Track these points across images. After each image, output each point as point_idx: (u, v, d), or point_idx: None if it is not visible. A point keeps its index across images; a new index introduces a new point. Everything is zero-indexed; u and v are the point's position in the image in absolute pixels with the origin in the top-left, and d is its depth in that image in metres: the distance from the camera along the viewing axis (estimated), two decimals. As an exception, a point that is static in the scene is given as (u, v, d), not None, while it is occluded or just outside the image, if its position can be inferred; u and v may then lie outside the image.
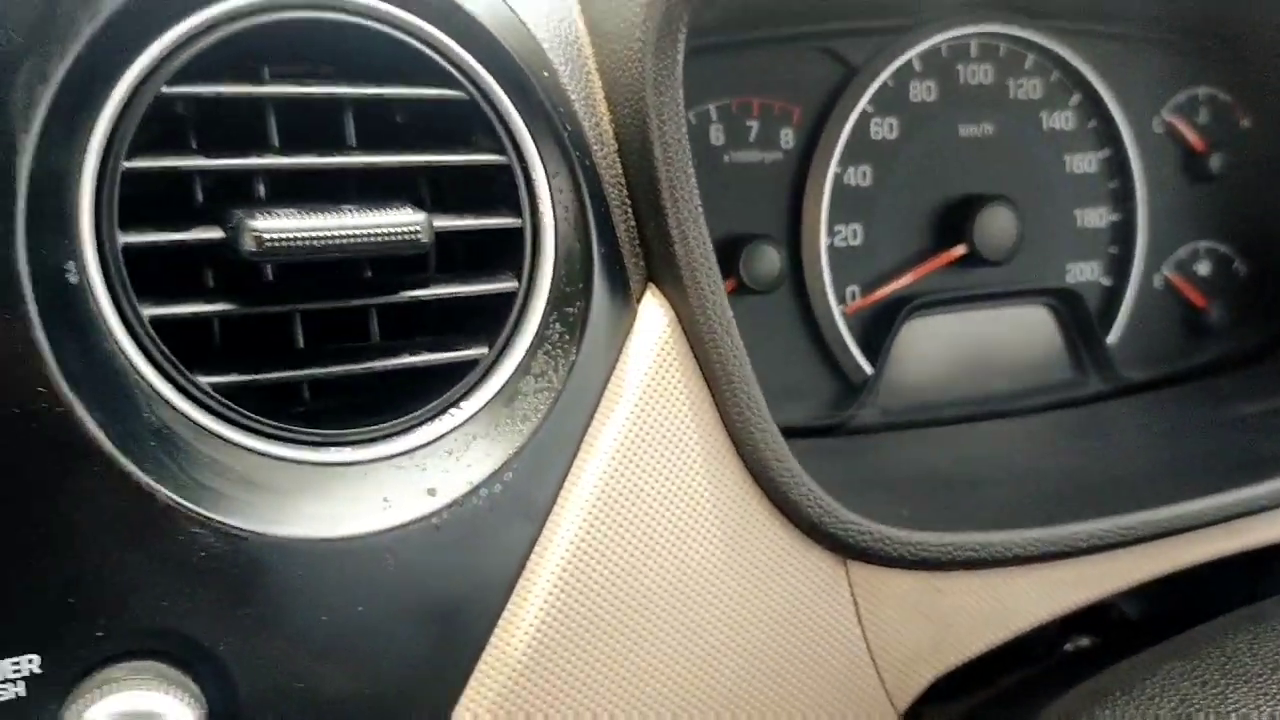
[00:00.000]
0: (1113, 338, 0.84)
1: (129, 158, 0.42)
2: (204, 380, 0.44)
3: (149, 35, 0.42)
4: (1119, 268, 0.84)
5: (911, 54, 0.75)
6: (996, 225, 0.77)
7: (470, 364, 0.49)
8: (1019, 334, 0.81)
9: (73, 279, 0.41)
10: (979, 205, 0.77)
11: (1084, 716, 0.49)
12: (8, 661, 0.39)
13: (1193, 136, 0.85)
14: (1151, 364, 0.84)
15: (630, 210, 0.52)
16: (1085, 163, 0.83)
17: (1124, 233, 0.84)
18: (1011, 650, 0.61)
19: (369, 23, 0.47)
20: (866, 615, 0.54)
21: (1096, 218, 0.84)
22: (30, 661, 0.40)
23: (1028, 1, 0.77)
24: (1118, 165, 0.83)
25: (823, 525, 0.51)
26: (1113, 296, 0.84)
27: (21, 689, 0.40)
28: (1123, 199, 0.83)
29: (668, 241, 0.51)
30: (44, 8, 0.40)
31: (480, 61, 0.49)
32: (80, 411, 0.40)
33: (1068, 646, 0.75)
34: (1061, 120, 0.81)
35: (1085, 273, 0.84)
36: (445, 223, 0.48)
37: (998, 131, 0.79)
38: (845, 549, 0.53)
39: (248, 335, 0.47)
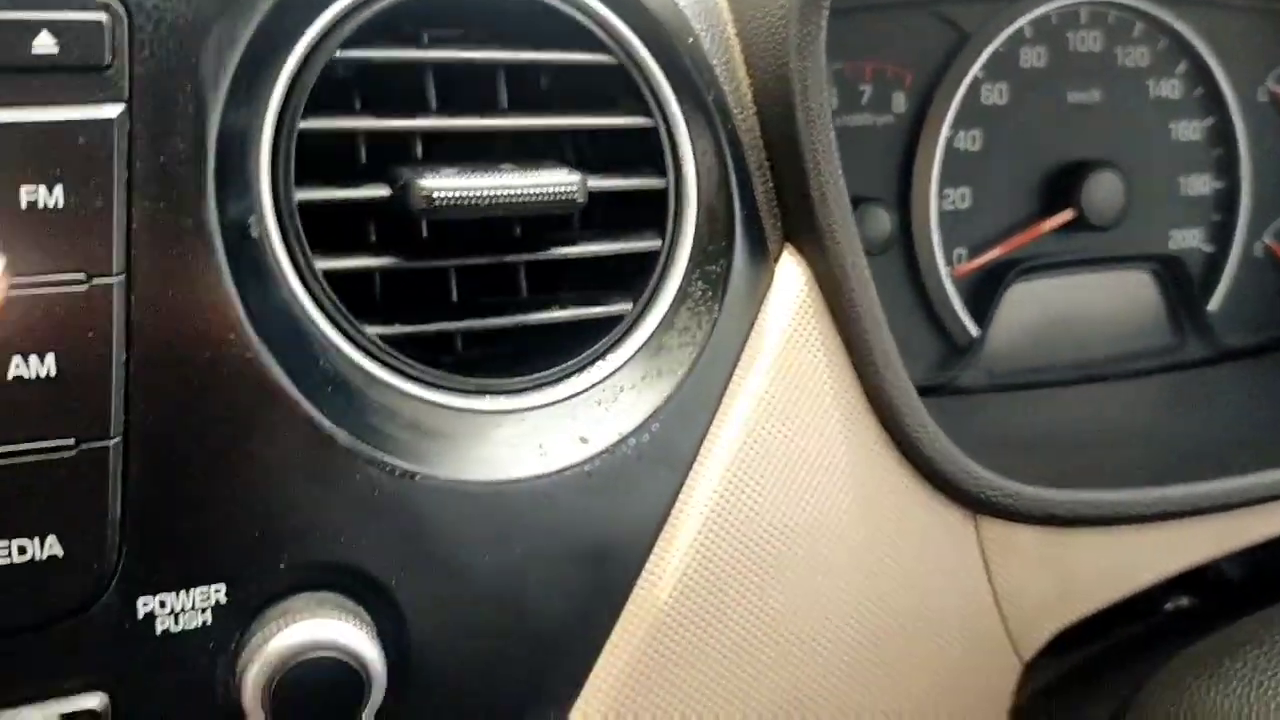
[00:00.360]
0: (1213, 304, 0.84)
1: (303, 118, 0.44)
2: (371, 330, 0.46)
3: (322, 3, 0.44)
4: (1221, 235, 0.84)
5: (1023, 21, 0.75)
6: (1104, 191, 0.77)
7: (616, 319, 0.51)
8: (1121, 299, 0.81)
9: (254, 232, 0.43)
10: (1086, 171, 0.77)
11: (1195, 676, 0.50)
12: (196, 591, 0.42)
13: (1299, 104, 0.84)
14: (1252, 330, 0.84)
15: (769, 172, 0.53)
16: (1190, 130, 0.82)
17: (1227, 200, 0.84)
18: (1115, 607, 0.62)
19: (525, -13, 0.48)
20: (995, 568, 0.55)
21: (1200, 185, 0.83)
22: (217, 591, 0.42)
23: (1139, -33, 0.77)
24: (1222, 133, 0.83)
25: (956, 481, 0.53)
26: (1214, 263, 0.84)
27: (208, 617, 0.42)
28: (1226, 167, 0.83)
29: (808, 203, 0.52)
30: (234, -31, 0.42)
31: (629, 27, 0.50)
32: (267, 358, 0.42)
33: (1168, 605, 0.75)
34: (1168, 88, 0.81)
35: (1188, 239, 0.84)
36: (598, 183, 0.49)
37: (1105, 98, 0.79)
38: (977, 504, 0.54)
39: (404, 288, 0.49)
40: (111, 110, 0.39)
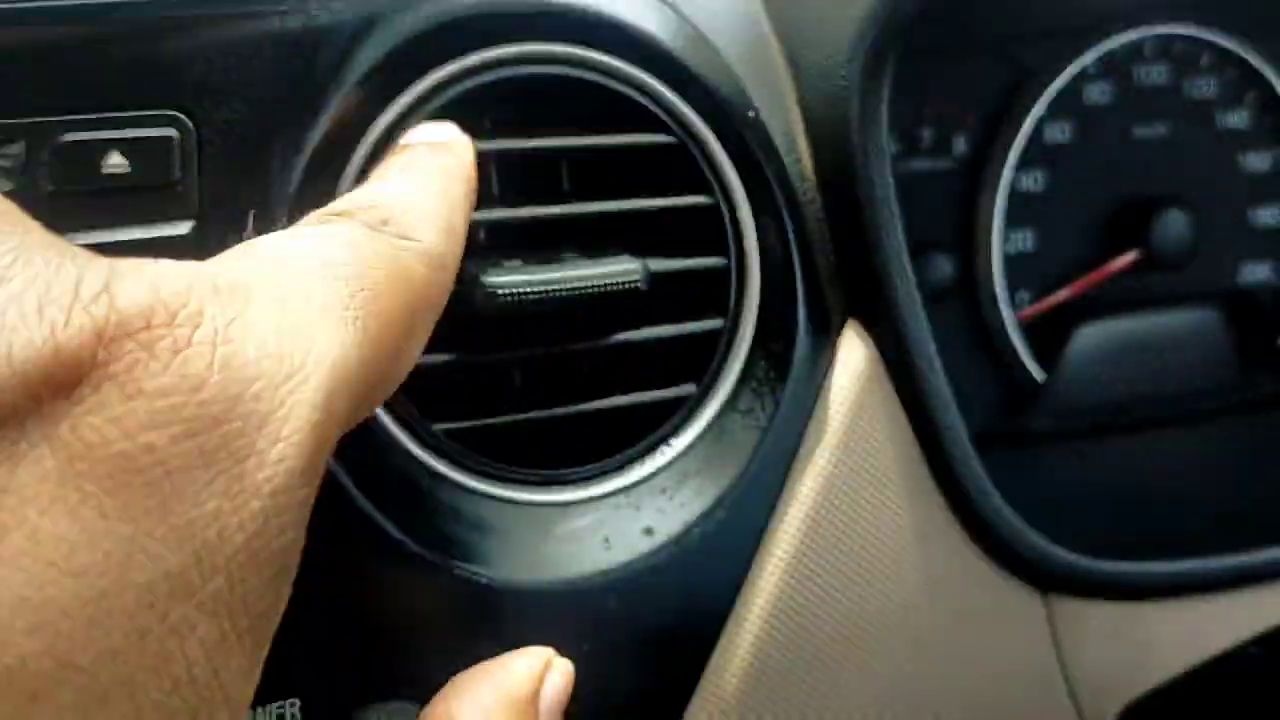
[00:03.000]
0: (1285, 340, 0.82)
1: (368, 215, 0.44)
2: (435, 426, 0.46)
3: (384, 101, 0.44)
4: (1294, 267, 0.82)
5: (1087, 57, 0.74)
6: (1172, 229, 0.75)
7: (679, 402, 0.50)
8: (1190, 336, 0.80)
9: (322, 336, 0.43)
10: (1154, 209, 0.75)
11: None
12: (272, 707, 0.42)
13: (1373, 130, 0.82)
14: (1325, 367, 0.82)
15: (831, 246, 0.53)
16: (1260, 161, 0.80)
17: (1301, 231, 0.82)
18: (1213, 672, 0.61)
19: (584, 73, 0.48)
20: (1064, 644, 0.54)
21: (1270, 217, 0.81)
22: (291, 705, 0.42)
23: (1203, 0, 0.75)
24: (1295, 163, 0.80)
25: (1026, 560, 0.52)
26: (1285, 298, 0.82)
27: (284, 730, 0.42)
28: (1300, 197, 0.81)
29: (873, 279, 0.51)
30: (295, 80, 0.42)
31: (689, 105, 0.49)
32: (333, 463, 0.42)
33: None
34: (1236, 119, 0.79)
35: (1258, 274, 0.82)
36: (659, 266, 0.49)
37: (1171, 132, 0.77)
38: (1046, 581, 0.53)
39: (468, 379, 0.49)
40: (183, 227, 0.40)
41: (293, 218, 0.42)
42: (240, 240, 0.40)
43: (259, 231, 0.41)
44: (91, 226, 0.39)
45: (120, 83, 0.39)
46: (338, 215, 0.34)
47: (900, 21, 0.50)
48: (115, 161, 0.39)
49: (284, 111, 0.42)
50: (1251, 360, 0.81)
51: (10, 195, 0.37)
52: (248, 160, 0.41)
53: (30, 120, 0.38)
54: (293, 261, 0.30)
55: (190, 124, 0.40)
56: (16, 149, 0.38)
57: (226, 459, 0.24)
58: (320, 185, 0.43)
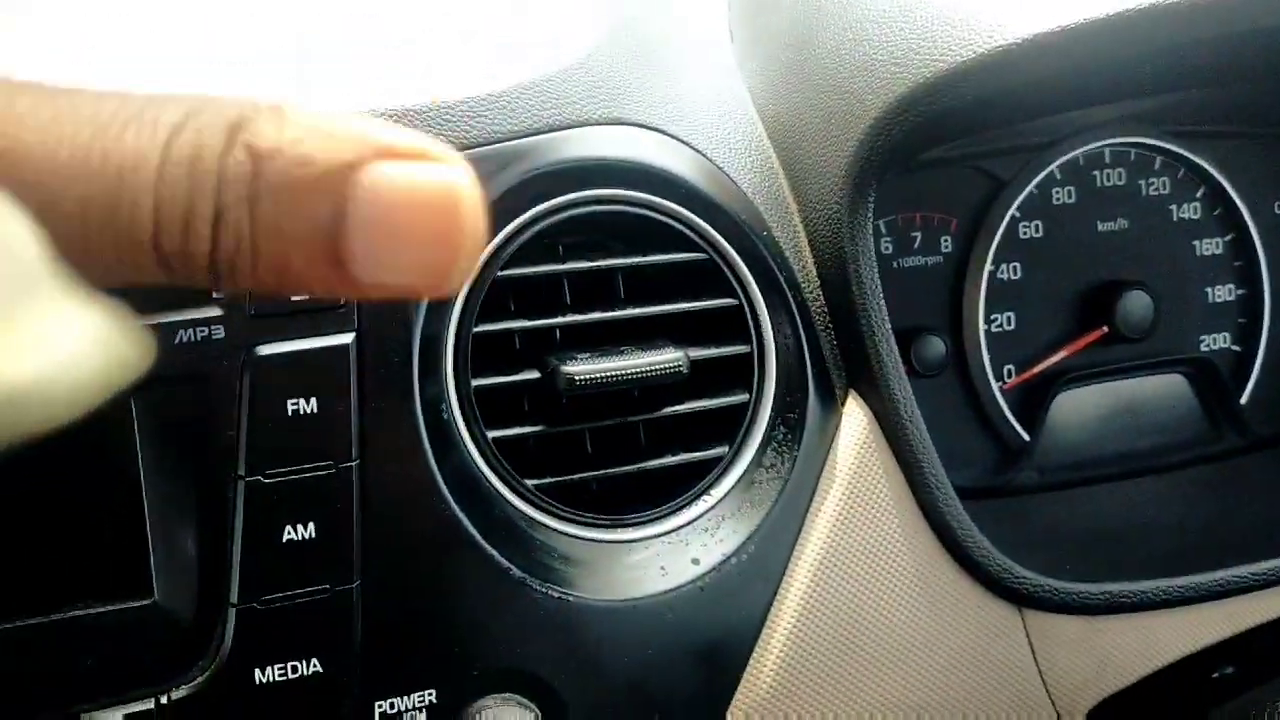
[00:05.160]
0: (1246, 398, 0.94)
1: (475, 324, 0.58)
2: (529, 482, 0.59)
3: (486, 238, 0.59)
4: (1249, 335, 0.94)
5: (1053, 166, 0.87)
6: (1134, 308, 0.88)
7: (716, 460, 0.64)
8: (1159, 399, 0.92)
9: (445, 415, 0.57)
10: (1118, 290, 0.88)
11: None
12: (414, 695, 0.55)
13: (1312, 216, 0.94)
14: (1283, 420, 0.94)
15: (833, 334, 0.66)
16: (1213, 246, 0.93)
17: (1251, 305, 0.94)
18: (1170, 677, 0.72)
19: (634, 209, 0.62)
20: (1040, 652, 0.66)
21: (1225, 293, 0.94)
22: (430, 694, 0.56)
23: (1155, 113, 0.88)
24: (1242, 246, 0.93)
25: (1002, 580, 0.64)
26: (1244, 361, 0.94)
27: (424, 715, 0.56)
28: (1248, 275, 0.94)
29: (866, 359, 0.64)
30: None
31: (716, 229, 0.64)
32: (456, 511, 0.56)
33: (1215, 674, 0.85)
34: (1189, 211, 0.92)
35: (1218, 341, 0.94)
36: (697, 354, 0.63)
37: (1132, 225, 0.91)
38: (1021, 599, 0.65)
39: (551, 445, 0.62)
40: (346, 338, 0.54)
41: (424, 327, 0.57)
42: (386, 345, 0.55)
43: (402, 338, 0.55)
44: (281, 339, 0.53)
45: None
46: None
47: (879, 160, 0.64)
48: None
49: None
50: (1217, 418, 0.93)
51: (221, 318, 0.52)
52: (392, 287, 0.55)
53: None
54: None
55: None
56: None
57: None
58: (443, 303, 0.57)
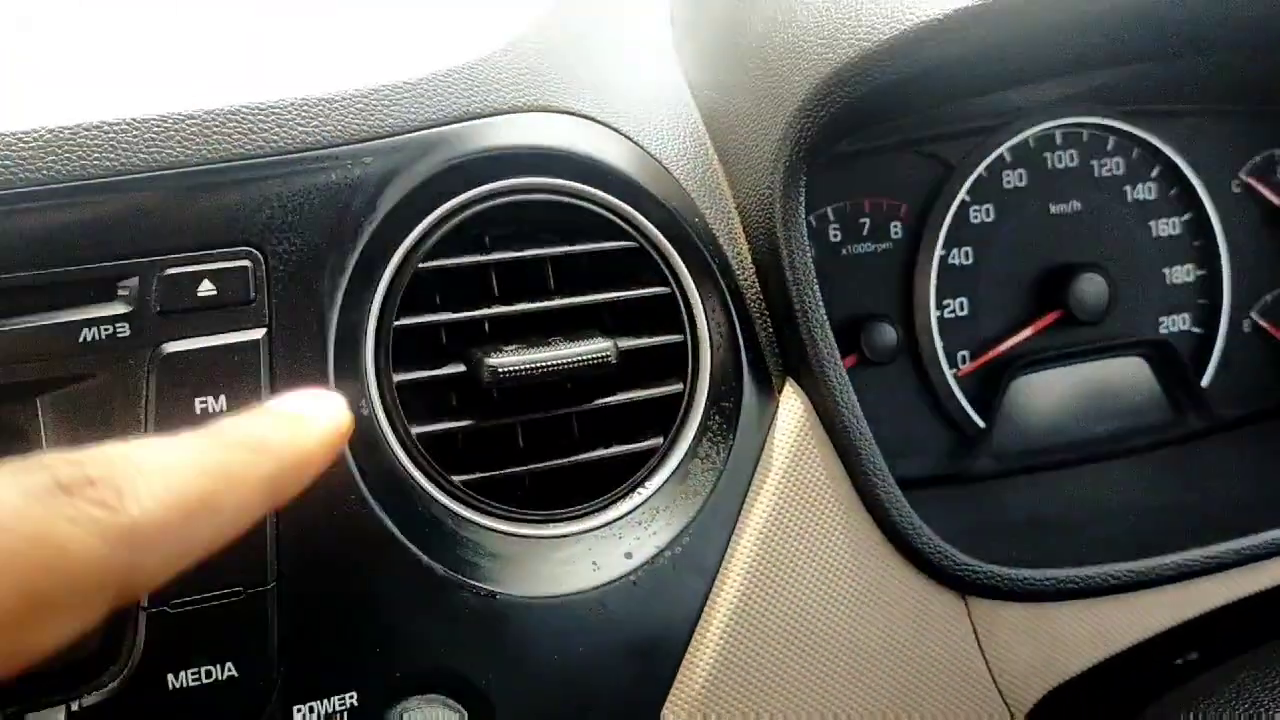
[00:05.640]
0: (1206, 380, 0.93)
1: (396, 318, 0.57)
2: (456, 478, 0.58)
3: (407, 228, 0.57)
4: (1209, 317, 0.93)
5: (1002, 149, 0.86)
6: (1088, 290, 0.87)
7: (649, 452, 0.62)
8: (1119, 382, 0.91)
9: (364, 411, 0.56)
10: (1072, 273, 0.87)
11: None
12: (334, 699, 0.54)
13: (1270, 193, 0.93)
14: (1244, 402, 0.93)
15: (769, 321, 0.65)
16: (1169, 227, 0.92)
17: (1210, 285, 0.93)
18: (1130, 665, 0.71)
19: (562, 198, 0.61)
20: (985, 640, 0.65)
21: (1184, 274, 0.93)
22: (351, 697, 0.54)
23: (1106, 91, 0.87)
24: (1200, 226, 0.92)
25: (944, 569, 0.63)
26: (1204, 343, 0.93)
27: (345, 718, 0.54)
28: (1207, 256, 0.93)
29: (800, 345, 0.63)
30: (338, 218, 0.55)
31: (647, 217, 0.62)
32: (379, 511, 0.54)
33: (1178, 660, 0.84)
34: (1144, 191, 0.91)
35: (1177, 324, 0.93)
36: (627, 344, 0.61)
37: (1085, 207, 0.89)
38: (963, 586, 0.64)
39: (480, 440, 0.61)
40: (257, 334, 0.53)
41: (340, 321, 0.55)
42: (299, 340, 0.54)
43: (318, 333, 0.54)
44: (188, 335, 0.52)
45: (207, 228, 0.53)
46: (40, 465, 0.32)
47: (809, 142, 0.62)
48: (206, 287, 0.52)
49: (330, 242, 0.55)
50: (1178, 401, 0.92)
51: (127, 315, 0.51)
52: (305, 280, 0.54)
53: (141, 260, 0.52)
54: None
55: (261, 256, 0.53)
56: (132, 282, 0.52)
57: None
58: (361, 296, 0.56)
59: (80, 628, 0.31)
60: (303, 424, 0.42)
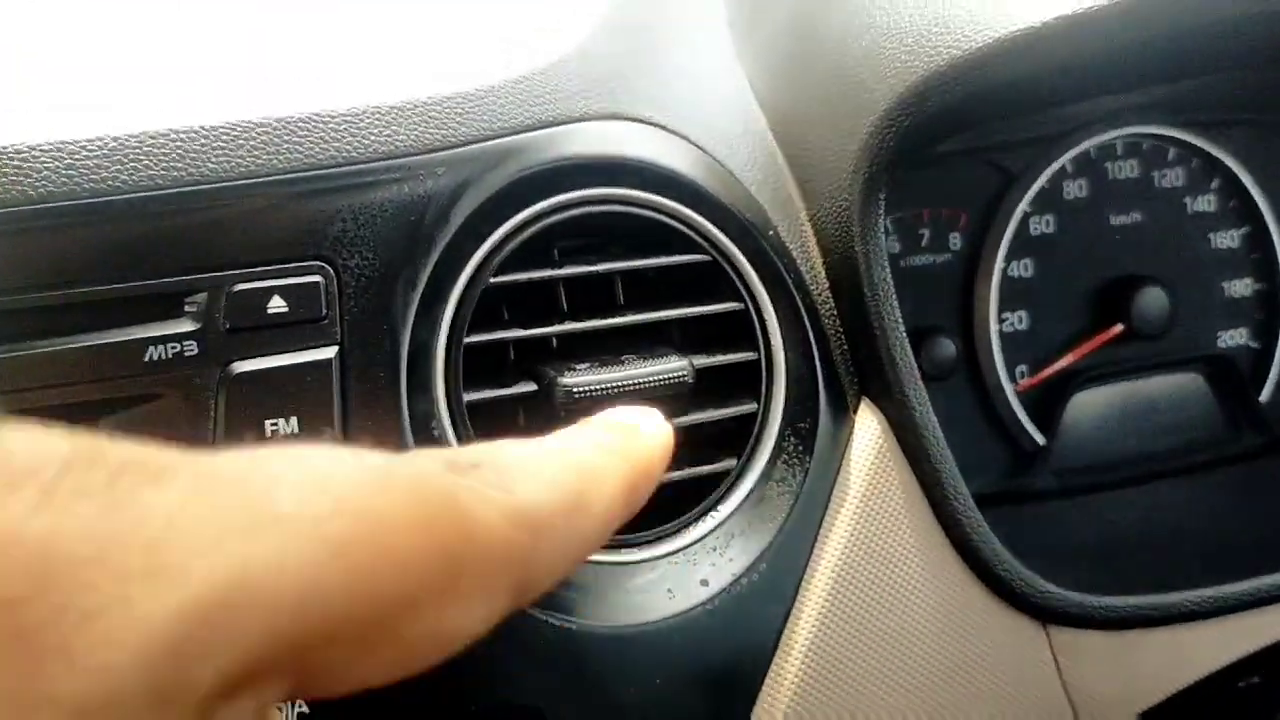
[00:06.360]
0: (1265, 396, 0.91)
1: (467, 335, 0.55)
2: (526, 502, 0.56)
3: (479, 241, 0.55)
4: (1267, 331, 0.91)
5: (1064, 159, 0.84)
6: (1150, 304, 0.85)
7: (723, 474, 0.60)
8: (1177, 398, 0.89)
9: (436, 432, 0.54)
10: (1133, 287, 0.85)
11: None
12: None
13: (1330, 205, 0.91)
14: (1303, 419, 0.91)
15: (844, 338, 0.63)
16: (1229, 239, 0.90)
17: (1269, 299, 0.91)
18: (1202, 692, 0.69)
19: (633, 209, 0.59)
20: (1065, 669, 0.63)
21: (1242, 288, 0.91)
22: (413, 735, 0.52)
23: (1167, 102, 0.85)
24: (1259, 239, 0.90)
25: (1026, 596, 0.61)
26: (1262, 358, 0.91)
27: (419, 754, 0.52)
28: (1266, 269, 0.90)
29: (879, 363, 0.61)
30: (411, 231, 0.53)
31: (719, 229, 0.60)
32: (450, 536, 0.52)
33: (1241, 684, 0.82)
34: (1204, 203, 0.89)
35: (1235, 338, 0.91)
36: (702, 362, 0.59)
37: (1146, 218, 0.87)
38: (1045, 614, 0.62)
39: (548, 461, 0.59)
40: (329, 352, 0.50)
41: (412, 338, 0.53)
42: (372, 359, 0.51)
43: (389, 351, 0.52)
44: (258, 354, 0.50)
45: (277, 242, 0.50)
46: (417, 454, 0.32)
47: (889, 153, 0.60)
48: (276, 304, 0.50)
49: (403, 256, 0.53)
50: (1236, 417, 0.90)
51: (194, 333, 0.49)
52: (377, 296, 0.52)
53: (210, 275, 0.50)
54: (278, 463, 0.26)
55: (332, 271, 0.51)
56: (200, 298, 0.49)
57: (18, 651, 0.19)
58: (433, 312, 0.54)
59: (487, 620, 0.31)
60: (640, 434, 0.42)
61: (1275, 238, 0.90)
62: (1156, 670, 0.65)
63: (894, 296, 0.62)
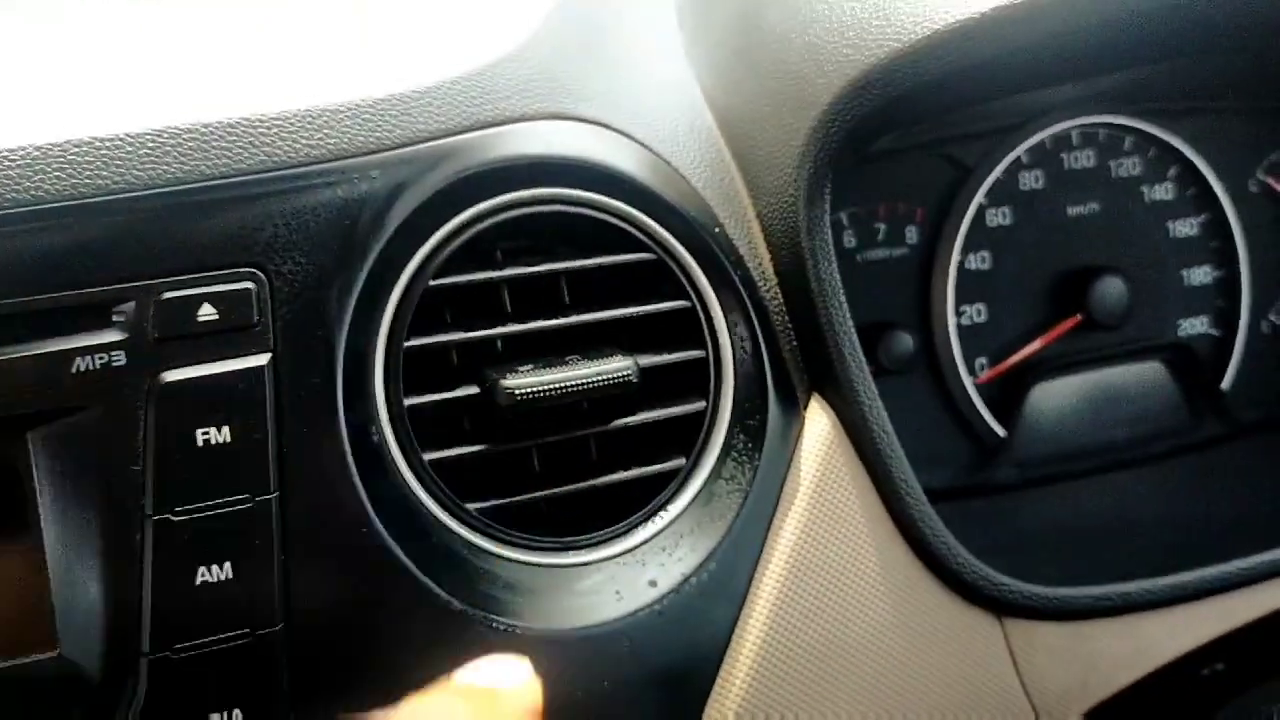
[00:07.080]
0: (1226, 383, 0.91)
1: (406, 339, 0.54)
2: (471, 506, 0.55)
3: (416, 245, 0.54)
4: (1227, 319, 0.91)
5: (1019, 150, 0.84)
6: (1109, 294, 0.84)
7: (672, 473, 0.60)
8: (1139, 387, 0.89)
9: (375, 438, 0.53)
10: (1091, 277, 0.85)
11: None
12: (349, 744, 0.51)
13: (1288, 191, 0.91)
14: (1265, 405, 0.91)
15: (793, 334, 0.62)
16: (1187, 227, 0.90)
17: (1229, 286, 0.91)
18: (1161, 680, 0.69)
19: (576, 209, 0.58)
20: (1021, 661, 0.63)
21: (1202, 275, 0.91)
22: (364, 741, 0.51)
23: (1122, 90, 0.85)
24: (1218, 226, 0.90)
25: (980, 589, 0.60)
26: (1223, 346, 0.91)
27: (359, 763, 0.51)
28: (1225, 256, 0.90)
29: (828, 359, 0.61)
30: (344, 235, 0.52)
31: (664, 227, 0.60)
32: (390, 543, 0.51)
33: (1205, 671, 0.82)
34: (1162, 191, 0.89)
35: (1196, 326, 0.91)
36: (648, 361, 0.59)
37: (1103, 208, 0.87)
38: (1000, 607, 0.62)
39: (494, 464, 0.58)
40: (262, 359, 0.50)
41: (348, 344, 0.52)
42: (306, 365, 0.51)
43: (324, 357, 0.51)
44: (189, 363, 0.49)
45: (207, 249, 0.50)
46: None
47: (834, 148, 0.60)
48: (206, 311, 0.49)
49: (337, 260, 0.52)
50: (1198, 405, 0.90)
51: (122, 343, 0.48)
52: (311, 302, 0.51)
53: (138, 283, 0.49)
54: None
55: (264, 277, 0.50)
56: (128, 307, 0.49)
57: None
58: (370, 317, 0.53)
59: None
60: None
61: (1234, 225, 0.90)
62: (1115, 660, 0.65)
63: (842, 292, 0.61)
